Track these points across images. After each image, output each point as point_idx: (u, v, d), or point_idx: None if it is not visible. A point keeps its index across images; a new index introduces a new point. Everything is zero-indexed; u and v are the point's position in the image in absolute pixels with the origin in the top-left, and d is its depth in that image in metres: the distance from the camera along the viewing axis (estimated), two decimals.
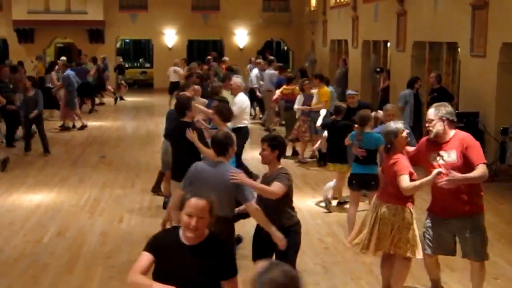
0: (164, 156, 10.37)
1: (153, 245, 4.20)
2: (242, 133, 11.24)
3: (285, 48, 35.28)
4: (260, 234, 6.28)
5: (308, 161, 14.45)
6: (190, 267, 4.02)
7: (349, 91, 12.11)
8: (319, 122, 13.05)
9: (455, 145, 6.21)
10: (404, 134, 6.73)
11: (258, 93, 19.38)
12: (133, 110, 23.95)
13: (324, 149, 14.09)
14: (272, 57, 22.40)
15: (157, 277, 4.11)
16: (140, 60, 36.98)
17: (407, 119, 13.79)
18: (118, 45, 33.56)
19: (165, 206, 9.93)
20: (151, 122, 20.01)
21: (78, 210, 10.57)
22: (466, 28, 13.84)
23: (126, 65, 34.65)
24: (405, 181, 6.36)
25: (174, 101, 10.49)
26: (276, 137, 6.35)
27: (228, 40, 32.06)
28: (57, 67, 21.09)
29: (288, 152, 13.68)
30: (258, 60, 22.08)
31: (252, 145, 13.41)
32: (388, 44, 20.14)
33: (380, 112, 10.01)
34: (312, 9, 30.04)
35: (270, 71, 19.15)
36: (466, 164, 6.15)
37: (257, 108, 21.04)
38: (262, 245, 6.24)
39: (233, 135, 6.53)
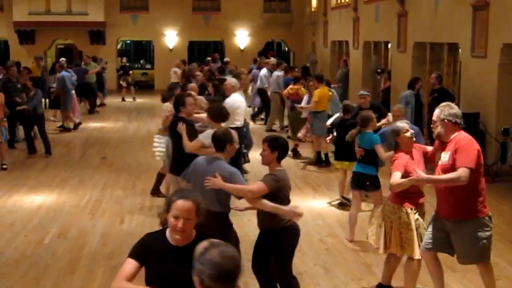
0: (167, 158, 10.42)
1: (138, 252, 4.19)
2: None
3: (286, 49, 35.29)
4: (259, 239, 6.34)
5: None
6: (180, 269, 3.98)
7: (360, 92, 12.09)
8: (329, 122, 13.08)
9: (451, 147, 6.22)
10: (408, 134, 6.78)
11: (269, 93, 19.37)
12: (134, 111, 23.95)
13: (324, 151, 14.16)
14: (274, 59, 22.49)
15: (148, 282, 4.10)
16: (141, 61, 36.98)
17: (408, 119, 13.78)
18: (119, 46, 33.58)
19: None
20: (152, 123, 20.00)
21: (79, 211, 10.58)
22: (467, 29, 13.84)
23: (120, 67, 34.68)
24: (393, 176, 6.45)
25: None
26: (277, 138, 6.33)
27: (229, 41, 32.07)
28: (57, 67, 21.19)
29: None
30: (267, 60, 22.35)
31: (254, 146, 13.39)
32: (389, 45, 20.13)
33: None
34: (313, 10, 30.05)
35: (278, 73, 19.16)
36: (455, 166, 6.13)
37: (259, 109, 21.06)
38: (261, 249, 6.29)
39: (233, 133, 6.58)
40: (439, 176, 6.28)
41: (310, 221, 10.03)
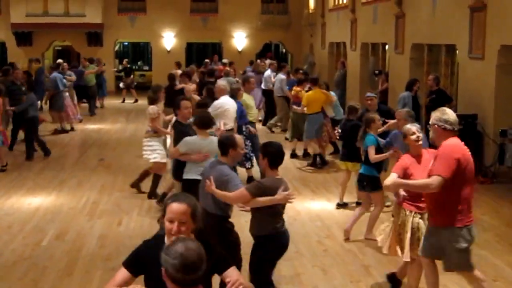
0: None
1: (131, 261, 4.19)
2: None
3: (284, 50, 35.29)
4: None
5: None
6: None
7: (367, 93, 12.09)
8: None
9: (437, 153, 6.22)
10: (413, 136, 6.84)
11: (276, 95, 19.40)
12: (132, 113, 23.93)
13: (318, 151, 14.19)
14: (268, 60, 22.53)
15: None
16: (139, 63, 36.97)
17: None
18: (116, 48, 33.56)
19: None
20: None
21: (77, 213, 10.57)
22: (465, 31, 13.85)
23: (118, 69, 34.65)
24: (388, 177, 6.45)
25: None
26: (268, 144, 6.34)
27: (227, 42, 32.07)
28: (60, 68, 21.22)
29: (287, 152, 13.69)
30: (271, 62, 22.50)
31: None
32: (387, 47, 20.14)
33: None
34: (310, 11, 30.05)
35: (281, 77, 19.18)
36: (430, 173, 6.11)
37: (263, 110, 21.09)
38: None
39: (236, 138, 6.61)
40: (411, 181, 6.34)
41: (308, 222, 10.03)
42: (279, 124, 19.39)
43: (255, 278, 6.24)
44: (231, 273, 4.06)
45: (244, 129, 11.97)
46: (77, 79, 21.49)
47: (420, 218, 6.85)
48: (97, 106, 24.58)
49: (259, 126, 19.64)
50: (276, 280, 7.12)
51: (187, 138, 8.39)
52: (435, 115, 6.18)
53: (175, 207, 4.04)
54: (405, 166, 6.51)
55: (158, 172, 11.34)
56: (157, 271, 3.93)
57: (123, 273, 4.14)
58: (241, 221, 8.98)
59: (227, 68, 21.73)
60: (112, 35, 31.19)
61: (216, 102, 11.54)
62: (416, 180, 6.29)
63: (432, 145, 6.68)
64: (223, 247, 4.62)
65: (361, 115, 11.06)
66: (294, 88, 16.29)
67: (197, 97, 11.56)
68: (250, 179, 11.69)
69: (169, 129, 10.35)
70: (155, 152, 11.25)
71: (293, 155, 15.02)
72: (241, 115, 11.91)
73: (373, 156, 8.91)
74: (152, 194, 11.29)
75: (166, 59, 28.88)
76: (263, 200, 6.01)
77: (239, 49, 31.84)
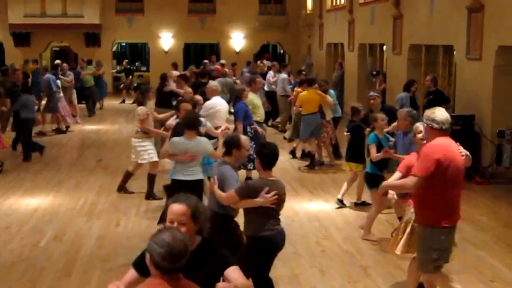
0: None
1: (138, 261, 4.17)
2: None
3: (282, 51, 35.30)
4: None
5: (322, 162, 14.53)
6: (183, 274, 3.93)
7: (370, 93, 12.11)
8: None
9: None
10: (419, 135, 7.10)
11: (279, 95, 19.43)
12: (131, 114, 23.90)
13: (313, 152, 14.20)
14: (266, 61, 22.56)
15: None
16: (137, 63, 36.98)
17: None
18: (114, 48, 33.55)
19: None
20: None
21: (75, 213, 10.56)
22: (462, 31, 13.86)
23: (118, 69, 34.64)
24: (392, 176, 6.61)
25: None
26: (262, 145, 6.35)
27: (225, 43, 32.07)
28: (60, 68, 21.24)
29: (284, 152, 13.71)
30: (273, 63, 22.56)
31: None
32: (384, 47, 20.15)
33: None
34: (308, 12, 30.06)
35: (283, 76, 19.22)
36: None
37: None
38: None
39: (242, 138, 6.64)
40: (392, 182, 6.48)
41: (306, 223, 10.04)
42: (279, 124, 19.41)
43: (252, 279, 6.24)
44: (231, 273, 4.02)
45: (249, 129, 11.94)
46: (76, 81, 21.49)
47: None
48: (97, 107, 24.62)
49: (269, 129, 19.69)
50: (274, 281, 7.12)
51: (174, 139, 8.46)
52: (425, 114, 6.25)
53: (175, 208, 4.06)
54: (409, 164, 6.52)
55: (154, 171, 11.38)
56: None
57: (130, 273, 4.16)
58: (240, 222, 9.00)
59: (225, 69, 21.76)
60: (110, 36, 31.18)
61: (207, 103, 11.56)
62: (395, 181, 6.38)
63: None
64: (227, 246, 4.62)
65: (365, 116, 11.15)
66: (296, 89, 16.34)
67: (199, 98, 11.56)
68: (247, 179, 11.70)
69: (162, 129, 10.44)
70: (148, 152, 11.32)
71: (293, 155, 15.01)
72: (246, 115, 11.84)
73: (373, 154, 9.08)
74: (150, 195, 11.31)
75: (164, 60, 28.86)
76: (247, 202, 6.04)
77: (237, 50, 31.84)
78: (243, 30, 31.84)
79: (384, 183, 6.65)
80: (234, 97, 12.11)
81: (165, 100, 14.88)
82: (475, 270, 7.90)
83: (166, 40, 31.63)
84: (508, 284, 7.62)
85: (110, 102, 26.53)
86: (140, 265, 4.11)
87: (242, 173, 12.00)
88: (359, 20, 21.95)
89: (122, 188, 11.80)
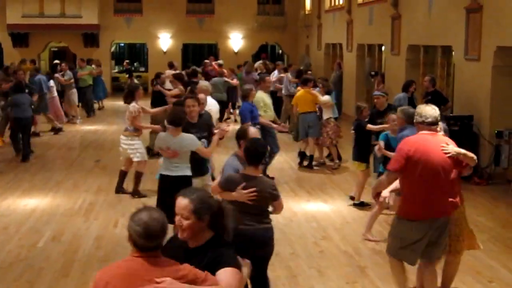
0: None
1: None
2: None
3: (280, 51, 35.30)
4: None
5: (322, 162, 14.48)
6: None
7: (375, 92, 12.11)
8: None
9: None
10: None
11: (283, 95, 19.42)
12: None
13: (311, 152, 14.18)
14: (260, 62, 22.56)
15: None
16: (135, 64, 36.94)
17: None
18: (113, 49, 33.53)
19: None
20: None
21: (73, 214, 10.56)
22: (461, 32, 13.87)
23: (120, 69, 34.63)
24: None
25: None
26: (249, 140, 6.29)
27: (223, 44, 32.07)
28: (59, 68, 21.21)
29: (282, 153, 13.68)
30: (278, 62, 22.57)
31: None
32: (383, 48, 20.16)
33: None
34: (307, 12, 30.08)
35: (289, 76, 19.23)
36: None
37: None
38: None
39: (250, 130, 6.63)
40: (378, 180, 6.77)
41: (305, 223, 10.03)
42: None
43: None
44: (220, 274, 3.92)
45: None
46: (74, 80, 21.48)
47: None
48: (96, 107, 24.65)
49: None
50: (273, 281, 7.13)
51: (160, 134, 8.76)
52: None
53: (178, 201, 4.07)
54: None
55: (142, 170, 11.54)
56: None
57: None
58: None
59: (223, 69, 21.76)
60: (108, 36, 31.17)
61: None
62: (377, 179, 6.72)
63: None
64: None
65: (371, 114, 11.19)
66: (298, 88, 16.30)
67: (202, 96, 11.57)
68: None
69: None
70: (137, 151, 11.46)
71: (303, 155, 14.73)
72: (252, 115, 11.80)
73: (381, 151, 9.25)
74: (135, 193, 11.49)
75: (163, 60, 28.76)
76: (225, 194, 6.04)
77: (235, 50, 31.84)
78: (242, 31, 31.84)
79: (372, 186, 6.82)
80: (241, 96, 12.14)
81: (160, 99, 14.89)
82: (473, 270, 7.90)
83: (165, 40, 31.63)
84: (507, 284, 7.63)
85: (109, 103, 26.50)
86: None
87: None
88: (357, 20, 21.96)
89: (120, 189, 11.80)
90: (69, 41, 31.51)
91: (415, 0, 16.73)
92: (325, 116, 14.01)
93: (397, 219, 6.45)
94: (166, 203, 8.37)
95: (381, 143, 9.23)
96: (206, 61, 24.88)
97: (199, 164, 8.74)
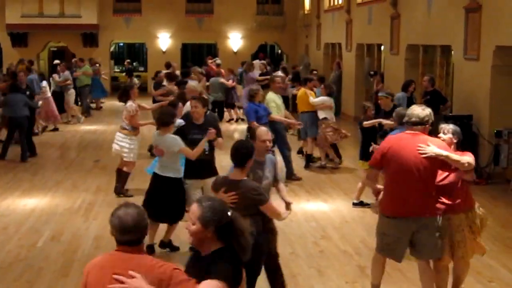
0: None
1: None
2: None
3: (279, 51, 35.30)
4: None
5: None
6: (191, 275, 3.92)
7: (380, 92, 12.10)
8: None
9: None
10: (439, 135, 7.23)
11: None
12: None
13: (308, 152, 14.17)
14: (257, 61, 22.57)
15: None
16: (134, 63, 36.92)
17: None
18: (112, 49, 33.52)
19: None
20: (145, 126, 19.98)
21: (72, 214, 10.56)
22: (460, 31, 13.87)
23: (119, 69, 34.61)
24: None
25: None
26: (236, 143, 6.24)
27: (222, 43, 32.06)
28: (60, 68, 21.19)
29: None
30: (282, 63, 22.64)
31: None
32: (382, 47, 20.16)
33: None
34: (306, 12, 30.06)
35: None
36: None
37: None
38: None
39: (259, 130, 6.61)
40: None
41: (304, 223, 10.03)
42: None
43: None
44: (201, 285, 3.83)
45: None
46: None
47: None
48: (92, 107, 24.63)
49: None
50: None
51: (154, 132, 9.03)
52: None
53: (192, 205, 4.12)
54: None
55: (129, 170, 11.65)
56: (187, 269, 4.03)
57: None
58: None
59: (221, 69, 21.78)
60: (107, 36, 31.17)
61: (187, 104, 11.55)
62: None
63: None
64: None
65: (379, 115, 11.20)
66: (299, 88, 16.36)
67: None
68: None
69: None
70: (132, 152, 11.58)
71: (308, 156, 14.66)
72: (258, 116, 11.76)
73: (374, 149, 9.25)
74: (120, 191, 11.62)
75: (162, 60, 28.69)
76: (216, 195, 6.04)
77: (235, 50, 31.83)
78: (241, 31, 31.84)
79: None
80: (248, 96, 12.16)
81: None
82: (473, 270, 7.88)
83: (164, 40, 31.63)
84: (506, 284, 7.63)
85: (108, 103, 26.49)
86: None
87: None
88: (356, 20, 21.95)
89: (119, 190, 11.78)
90: (68, 41, 31.50)
91: (414, 0, 16.73)
92: (320, 116, 13.86)
93: (379, 215, 6.68)
94: (152, 201, 8.47)
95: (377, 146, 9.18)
96: (211, 61, 24.90)
97: (199, 165, 8.70)
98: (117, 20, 31.12)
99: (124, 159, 11.59)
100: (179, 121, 9.35)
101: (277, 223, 6.55)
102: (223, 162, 9.70)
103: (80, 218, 10.29)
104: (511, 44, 12.32)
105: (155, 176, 8.67)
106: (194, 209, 4.05)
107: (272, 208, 6.06)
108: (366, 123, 10.93)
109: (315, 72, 19.01)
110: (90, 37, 30.82)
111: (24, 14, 29.41)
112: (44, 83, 19.06)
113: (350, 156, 14.73)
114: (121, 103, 11.92)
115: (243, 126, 19.83)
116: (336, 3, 25.14)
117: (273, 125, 12.22)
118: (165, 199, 8.42)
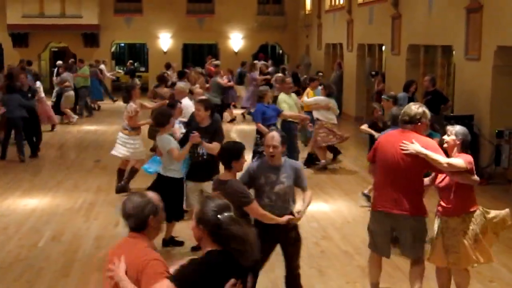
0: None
1: None
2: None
3: (280, 51, 35.30)
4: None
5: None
6: None
7: (383, 95, 12.10)
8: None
9: None
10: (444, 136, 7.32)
11: None
12: None
13: (311, 151, 14.16)
14: (256, 61, 22.58)
15: None
16: (135, 64, 36.94)
17: None
18: (113, 49, 33.53)
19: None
20: (146, 126, 19.97)
21: (73, 214, 10.56)
22: (461, 32, 13.86)
23: (120, 70, 34.59)
24: None
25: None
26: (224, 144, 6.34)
27: (223, 44, 32.07)
28: (60, 69, 21.19)
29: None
30: (283, 65, 22.66)
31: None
32: (383, 48, 20.16)
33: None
34: (307, 12, 30.07)
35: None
36: None
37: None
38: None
39: (266, 135, 6.62)
40: None
41: (305, 223, 10.00)
42: None
43: None
44: (156, 285, 3.82)
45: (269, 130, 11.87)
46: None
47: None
48: (95, 107, 24.66)
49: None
50: (273, 281, 7.14)
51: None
52: None
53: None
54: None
55: (138, 167, 11.63)
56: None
57: None
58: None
59: (219, 70, 21.78)
60: (108, 36, 31.17)
61: (184, 103, 11.58)
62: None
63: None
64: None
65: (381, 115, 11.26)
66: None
67: (199, 91, 11.62)
68: None
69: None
70: (137, 150, 11.71)
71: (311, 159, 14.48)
72: (264, 117, 11.72)
73: None
74: (124, 188, 11.59)
75: (163, 60, 28.73)
76: None
77: (236, 50, 31.84)
78: (242, 31, 31.84)
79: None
80: (257, 97, 12.20)
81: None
82: (473, 270, 7.87)
83: (165, 40, 31.63)
84: (507, 284, 7.63)
85: (107, 103, 26.45)
86: None
87: None
88: (357, 20, 21.95)
89: (124, 188, 11.76)
90: (69, 41, 31.50)
91: (415, 0, 16.72)
92: (314, 116, 13.78)
93: (372, 213, 6.82)
94: None
95: None
96: (216, 62, 24.94)
97: (198, 169, 8.70)
98: (118, 20, 31.12)
99: (135, 158, 11.69)
100: (177, 122, 9.40)
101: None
102: None
103: (80, 218, 10.29)
104: None
105: (158, 176, 8.82)
106: (196, 209, 4.15)
107: (255, 209, 6.03)
108: (362, 129, 11.12)
109: (320, 74, 19.00)
110: (91, 37, 30.83)
111: (25, 14, 29.42)
112: (38, 83, 18.99)
113: (351, 157, 14.73)
114: (123, 104, 11.97)
115: (241, 127, 19.87)
116: (337, 3, 25.13)
117: (286, 125, 12.22)
118: (162, 198, 8.40)
